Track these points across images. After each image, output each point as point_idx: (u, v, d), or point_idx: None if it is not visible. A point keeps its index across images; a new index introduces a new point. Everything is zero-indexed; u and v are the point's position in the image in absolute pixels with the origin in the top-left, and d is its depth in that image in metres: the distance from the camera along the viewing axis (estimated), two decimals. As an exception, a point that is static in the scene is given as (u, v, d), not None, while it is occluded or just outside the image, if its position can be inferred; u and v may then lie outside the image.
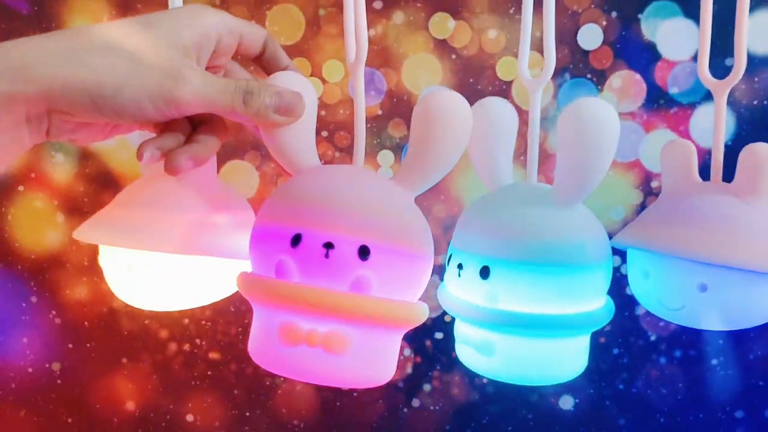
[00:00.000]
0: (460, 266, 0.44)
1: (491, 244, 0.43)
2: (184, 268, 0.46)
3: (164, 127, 0.40)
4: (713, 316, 0.48)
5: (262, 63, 0.44)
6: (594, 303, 0.45)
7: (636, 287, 0.52)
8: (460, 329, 0.46)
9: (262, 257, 0.40)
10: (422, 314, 0.42)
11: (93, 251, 0.74)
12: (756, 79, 0.67)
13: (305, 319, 0.39)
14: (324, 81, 0.69)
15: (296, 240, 0.39)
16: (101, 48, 0.35)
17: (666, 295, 0.49)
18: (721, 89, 0.49)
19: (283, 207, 0.40)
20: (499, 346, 0.44)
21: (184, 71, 0.36)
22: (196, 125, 0.42)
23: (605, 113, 0.40)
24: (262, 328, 0.41)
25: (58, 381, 0.76)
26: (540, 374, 0.45)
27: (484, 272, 0.42)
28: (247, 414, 0.76)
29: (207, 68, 0.40)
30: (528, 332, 0.43)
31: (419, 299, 0.42)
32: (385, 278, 0.39)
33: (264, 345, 0.41)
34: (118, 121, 0.37)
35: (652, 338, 0.72)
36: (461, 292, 0.45)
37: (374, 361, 0.40)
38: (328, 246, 0.38)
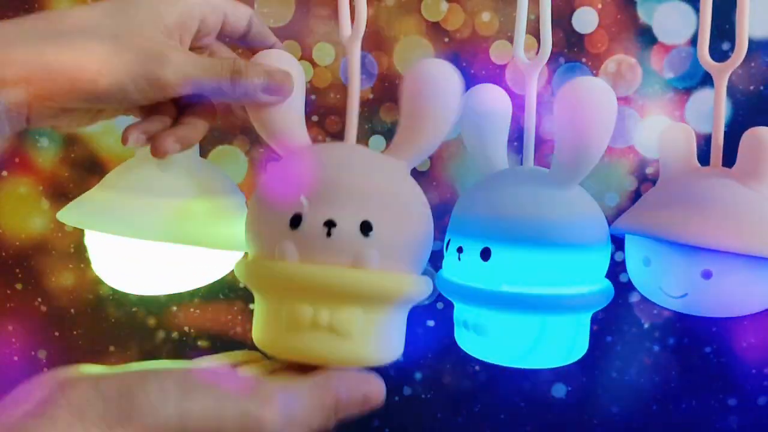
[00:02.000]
0: (459, 249, 0.44)
1: (491, 226, 0.43)
2: (172, 253, 0.46)
3: (149, 111, 0.39)
4: (716, 304, 0.48)
5: (247, 42, 0.43)
6: (594, 284, 0.45)
7: (635, 275, 0.51)
8: (461, 314, 0.46)
9: (261, 241, 0.40)
10: (427, 287, 0.41)
11: (79, 237, 0.73)
12: (753, 63, 0.67)
13: (309, 300, 0.38)
14: (314, 64, 0.68)
15: (296, 221, 0.38)
16: (81, 31, 0.34)
17: (668, 283, 0.48)
18: (722, 73, 0.49)
19: (279, 187, 0.39)
20: (502, 329, 0.44)
21: (168, 52, 0.36)
22: (182, 109, 0.41)
23: (601, 92, 0.40)
24: (266, 315, 0.40)
25: (45, 369, 0.75)
26: (542, 356, 0.45)
27: (485, 254, 0.43)
28: (237, 402, 0.75)
29: (191, 49, 0.39)
30: (531, 312, 0.43)
31: None
32: (387, 253, 0.38)
33: (269, 332, 0.40)
34: (101, 105, 0.36)
35: (646, 326, 0.72)
36: (462, 276, 0.45)
37: (381, 338, 0.40)
38: (330, 224, 0.37)
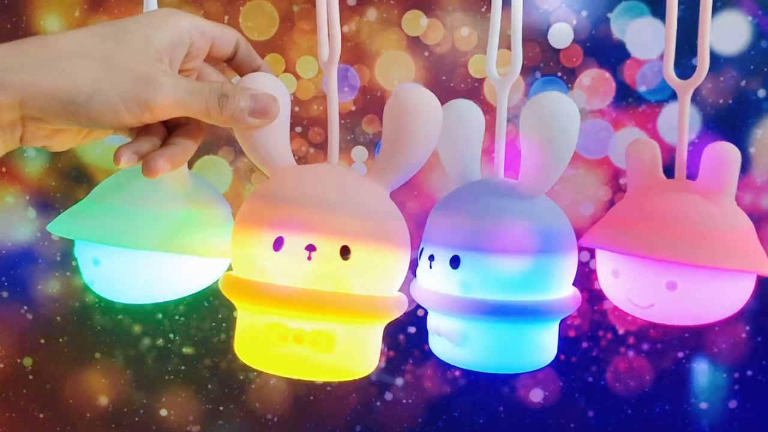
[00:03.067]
0: (431, 258, 0.46)
1: (460, 234, 0.44)
2: (159, 263, 0.47)
3: (139, 131, 0.40)
4: (682, 313, 0.50)
5: (234, 64, 0.44)
6: (561, 291, 0.46)
7: (606, 285, 0.53)
8: (433, 321, 0.47)
9: (245, 260, 0.41)
10: (402, 306, 0.43)
11: (65, 246, 0.74)
12: (721, 78, 0.69)
13: (291, 319, 0.40)
14: (298, 77, 0.69)
15: (278, 243, 0.40)
16: (74, 54, 0.35)
17: (636, 294, 0.50)
18: (686, 89, 0.50)
19: (264, 210, 0.41)
20: (471, 335, 0.45)
21: (158, 76, 0.37)
22: (171, 128, 0.42)
23: (565, 107, 0.41)
24: (249, 329, 0.42)
25: (30, 376, 0.76)
26: (512, 362, 0.46)
27: (455, 262, 0.44)
28: (221, 408, 0.76)
29: (180, 72, 0.40)
30: (498, 319, 0.44)
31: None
32: (366, 275, 0.40)
33: (252, 345, 0.42)
34: (92, 127, 0.37)
35: (620, 332, 0.73)
36: (433, 284, 0.46)
37: (360, 354, 0.42)
38: (310, 248, 0.39)
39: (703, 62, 0.49)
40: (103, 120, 0.36)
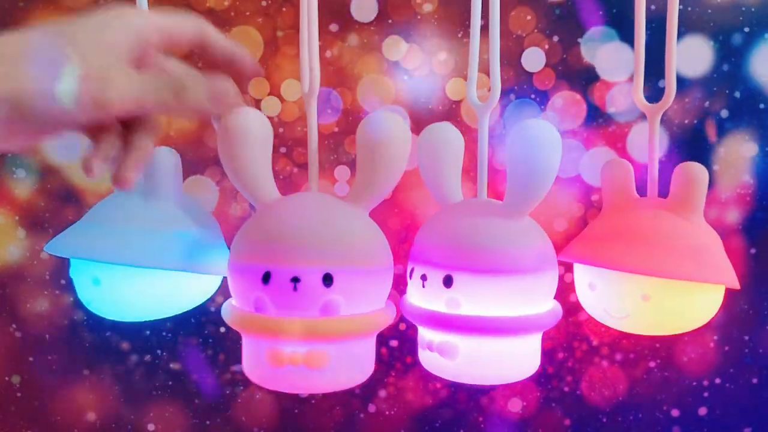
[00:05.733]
0: (423, 277, 0.48)
1: (453, 255, 0.47)
2: (158, 280, 0.49)
3: (95, 131, 0.40)
4: (655, 323, 0.53)
5: (204, 55, 0.44)
6: (546, 305, 0.49)
7: (583, 298, 0.56)
8: (425, 337, 0.50)
9: (241, 293, 0.46)
10: (389, 315, 0.47)
11: (54, 265, 0.75)
12: (687, 99, 0.72)
13: (285, 343, 0.44)
14: (282, 100, 0.72)
15: (266, 277, 0.43)
16: (24, 54, 0.34)
17: (611, 305, 0.53)
18: (654, 112, 0.54)
19: (252, 246, 0.45)
20: (462, 350, 0.47)
21: (112, 73, 0.36)
22: (126, 124, 0.41)
23: (549, 134, 0.44)
24: (252, 353, 0.46)
25: (18, 394, 0.77)
26: (499, 374, 0.49)
27: (448, 281, 0.46)
28: (208, 423, 0.78)
29: (138, 68, 0.39)
30: (489, 335, 0.47)
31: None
32: (351, 296, 0.44)
33: (255, 366, 0.46)
34: (46, 127, 0.36)
35: (595, 343, 0.76)
36: (425, 302, 0.48)
37: (353, 366, 0.46)
38: (295, 280, 0.42)
39: (670, 87, 0.53)
40: (57, 119, 0.35)
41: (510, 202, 0.47)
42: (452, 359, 0.48)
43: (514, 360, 0.49)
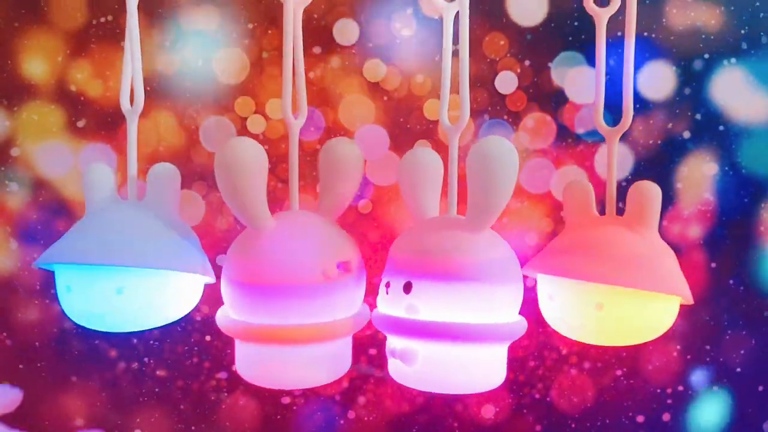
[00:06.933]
0: (387, 285, 0.51)
1: (413, 263, 0.50)
2: (175, 283, 0.52)
3: None
4: (609, 333, 0.56)
5: None
6: (505, 317, 0.51)
7: (544, 308, 0.58)
8: (390, 344, 0.53)
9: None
10: (361, 321, 0.54)
11: (45, 276, 0.77)
12: (651, 121, 0.76)
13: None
14: (267, 118, 0.75)
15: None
16: None
17: (567, 315, 0.56)
18: (613, 135, 0.57)
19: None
20: (421, 356, 0.50)
21: None
22: None
23: (505, 152, 0.47)
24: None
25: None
26: (459, 383, 0.51)
27: (407, 287, 0.49)
28: (193, 428, 0.80)
29: None
30: (443, 339, 0.49)
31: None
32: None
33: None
34: None
35: (564, 352, 0.79)
36: (388, 308, 0.51)
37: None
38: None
39: (627, 111, 0.56)
40: None
41: (470, 217, 0.50)
42: (412, 365, 0.50)
43: (475, 370, 0.50)
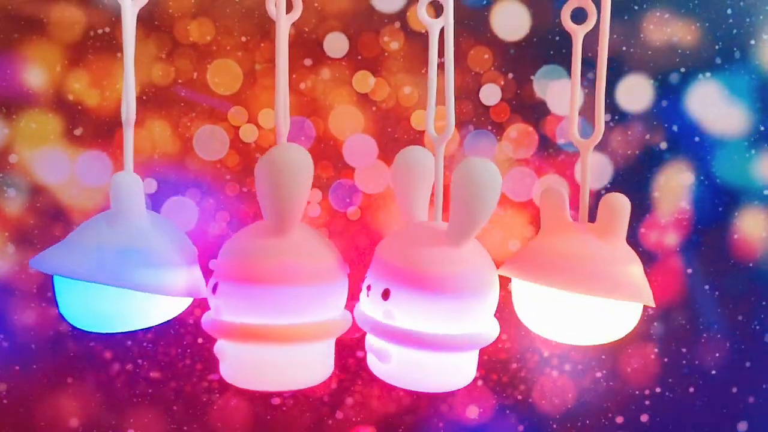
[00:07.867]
0: (368, 287, 0.54)
1: (392, 271, 0.52)
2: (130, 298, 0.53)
3: None
4: (576, 332, 0.58)
5: None
6: (479, 325, 0.53)
7: (516, 306, 0.61)
8: (368, 339, 0.55)
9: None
10: (345, 324, 0.54)
11: (41, 279, 0.79)
12: (629, 132, 0.79)
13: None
14: (260, 127, 0.77)
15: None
16: None
17: (537, 314, 0.58)
18: (586, 147, 0.59)
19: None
20: (394, 356, 0.53)
21: None
22: None
23: (489, 174, 0.49)
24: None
25: (4, 401, 0.81)
26: (429, 383, 0.54)
27: (385, 294, 0.52)
28: (185, 429, 0.82)
29: None
30: (416, 347, 0.52)
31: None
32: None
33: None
34: None
35: (545, 354, 0.82)
36: (368, 310, 0.54)
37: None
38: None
39: (599, 124, 0.58)
40: None
41: (451, 231, 0.52)
42: (386, 363, 0.53)
43: (446, 372, 0.53)
